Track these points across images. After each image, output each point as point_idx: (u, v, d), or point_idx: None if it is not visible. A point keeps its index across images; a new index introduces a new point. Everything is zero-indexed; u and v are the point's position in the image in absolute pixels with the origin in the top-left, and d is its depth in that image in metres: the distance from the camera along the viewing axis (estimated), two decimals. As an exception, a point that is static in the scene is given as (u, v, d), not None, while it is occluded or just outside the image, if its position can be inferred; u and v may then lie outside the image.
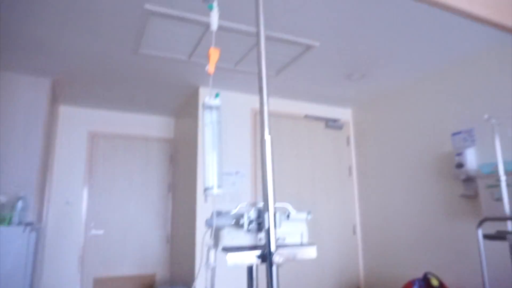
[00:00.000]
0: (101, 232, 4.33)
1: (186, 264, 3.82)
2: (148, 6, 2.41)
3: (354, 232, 4.38)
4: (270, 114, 4.12)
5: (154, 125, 4.88)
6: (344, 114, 4.69)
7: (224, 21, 2.62)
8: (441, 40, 2.96)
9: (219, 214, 0.99)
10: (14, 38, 2.81)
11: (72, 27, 2.65)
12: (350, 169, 4.56)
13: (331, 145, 4.51)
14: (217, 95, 0.98)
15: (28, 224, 2.81)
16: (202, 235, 3.55)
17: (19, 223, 2.96)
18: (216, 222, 0.96)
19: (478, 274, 3.02)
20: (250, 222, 0.99)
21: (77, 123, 4.47)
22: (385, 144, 4.11)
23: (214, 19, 1.07)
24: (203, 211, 3.61)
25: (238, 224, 1.01)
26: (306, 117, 4.41)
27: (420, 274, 3.55)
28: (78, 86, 3.79)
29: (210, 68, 0.98)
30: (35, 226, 2.95)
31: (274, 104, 4.23)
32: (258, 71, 1.00)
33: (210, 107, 0.96)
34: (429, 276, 3.09)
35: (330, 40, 2.93)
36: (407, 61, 3.33)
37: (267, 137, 0.94)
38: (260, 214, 1.01)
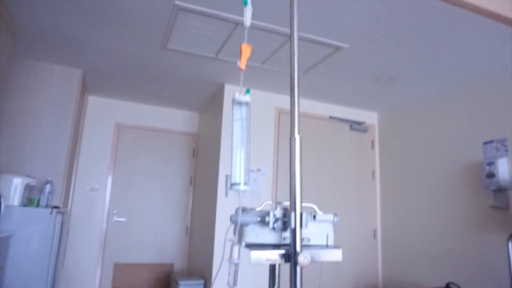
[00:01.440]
0: (123, 219, 4.44)
1: (204, 256, 3.86)
2: (178, 2, 2.42)
3: (375, 237, 4.30)
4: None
5: (178, 119, 4.94)
6: (369, 117, 4.60)
7: (253, 20, 2.61)
8: (481, 50, 2.85)
9: (244, 210, 0.99)
10: (49, 32, 2.90)
11: (102, 22, 2.71)
12: (373, 173, 4.48)
13: (355, 148, 4.44)
14: (247, 91, 0.97)
15: (55, 207, 2.91)
16: (224, 230, 3.57)
17: (47, 206, 3.07)
18: (241, 219, 0.96)
19: (504, 290, 2.91)
20: (276, 221, 0.98)
21: (104, 113, 4.58)
22: (411, 150, 4.01)
23: (248, 15, 1.06)
24: (223, 205, 3.63)
25: (263, 222, 1.00)
26: (331, 118, 4.36)
27: (440, 284, 3.45)
28: (107, 78, 3.88)
29: (242, 64, 0.97)
30: (61, 210, 3.05)
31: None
32: (291, 71, 0.98)
33: (240, 103, 0.95)
34: (451, 286, 2.99)
35: (360, 42, 2.87)
36: (441, 69, 3.22)
37: (297, 136, 0.93)
38: (286, 213, 1.00)
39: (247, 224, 0.97)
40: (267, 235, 1.00)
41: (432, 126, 3.79)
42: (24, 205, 2.94)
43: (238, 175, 0.92)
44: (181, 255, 4.63)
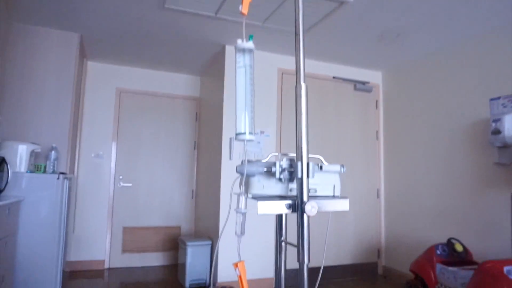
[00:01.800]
0: (129, 185, 4.50)
1: (210, 218, 3.94)
2: (176, -47, 2.31)
3: (378, 196, 4.35)
4: (294, 74, 4.01)
5: (180, 84, 4.88)
6: (374, 77, 4.52)
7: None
8: (489, 2, 2.73)
9: (250, 162, 0.98)
10: (43, -12, 2.80)
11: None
12: (377, 133, 4.46)
13: (359, 108, 4.39)
14: (250, 37, 0.93)
15: (61, 173, 2.93)
16: (229, 193, 3.61)
17: (53, 172, 3.10)
18: (247, 169, 0.95)
19: (507, 245, 2.96)
20: (282, 171, 0.98)
21: (105, 79, 4.52)
22: (416, 109, 3.96)
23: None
24: (228, 168, 3.65)
25: (269, 173, 0.99)
26: (335, 79, 4.28)
27: (443, 241, 3.52)
28: (106, 42, 3.78)
29: (244, 9, 0.93)
30: (68, 176, 3.08)
31: (302, 63, 4.10)
32: (295, 16, 0.94)
33: (243, 50, 0.92)
34: (453, 241, 3.05)
35: (366, -7, 2.75)
36: (448, 23, 3.11)
37: (303, 84, 0.90)
38: (293, 164, 0.98)
39: (253, 175, 0.97)
40: (274, 187, 0.99)
41: (438, 83, 3.72)
42: (31, 171, 2.96)
43: (243, 125, 0.90)
44: (188, 218, 4.73)
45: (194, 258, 3.64)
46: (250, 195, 0.97)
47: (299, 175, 0.88)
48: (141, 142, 4.61)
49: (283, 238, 1.05)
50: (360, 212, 4.24)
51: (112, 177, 4.43)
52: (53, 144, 3.30)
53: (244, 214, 0.90)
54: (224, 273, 3.52)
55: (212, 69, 4.29)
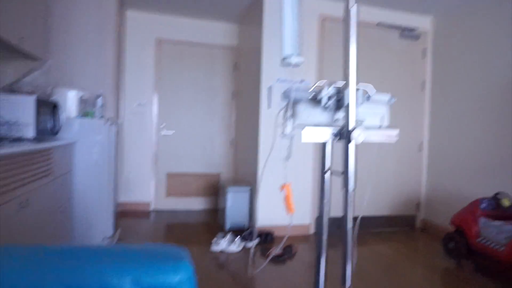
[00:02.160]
0: (171, 132, 4.67)
1: (249, 166, 4.04)
2: None
3: (420, 149, 4.23)
4: (338, 21, 3.80)
5: (219, 33, 4.82)
6: (422, 22, 4.20)
7: None
8: None
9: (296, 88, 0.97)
10: None
11: None
12: (423, 83, 4.23)
13: (404, 57, 4.16)
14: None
15: (108, 118, 3.08)
16: (268, 141, 3.65)
17: (101, 118, 3.25)
18: (294, 94, 0.94)
19: (557, 197, 2.82)
20: (329, 98, 0.96)
21: (145, 28, 4.55)
22: (468, 59, 3.68)
23: None
24: (266, 116, 3.66)
25: (315, 100, 0.98)
26: (379, 25, 4.03)
27: (488, 195, 3.41)
28: (145, -12, 3.76)
29: None
30: (115, 121, 3.23)
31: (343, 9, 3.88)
32: None
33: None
34: (500, 196, 2.95)
35: None
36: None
37: (353, 8, 0.85)
38: (340, 92, 0.96)
39: (299, 101, 0.96)
40: (319, 115, 0.98)
41: (496, 31, 3.40)
42: (81, 117, 3.13)
43: (291, 46, 0.88)
44: (227, 165, 4.88)
45: (234, 203, 3.80)
46: (296, 123, 0.97)
47: (347, 102, 0.86)
48: (181, 92, 4.70)
49: (326, 168, 1.06)
50: (401, 164, 4.16)
51: (155, 125, 4.60)
52: (99, 91, 3.44)
53: (291, 138, 0.92)
54: (263, 218, 3.66)
55: (250, 16, 4.18)
